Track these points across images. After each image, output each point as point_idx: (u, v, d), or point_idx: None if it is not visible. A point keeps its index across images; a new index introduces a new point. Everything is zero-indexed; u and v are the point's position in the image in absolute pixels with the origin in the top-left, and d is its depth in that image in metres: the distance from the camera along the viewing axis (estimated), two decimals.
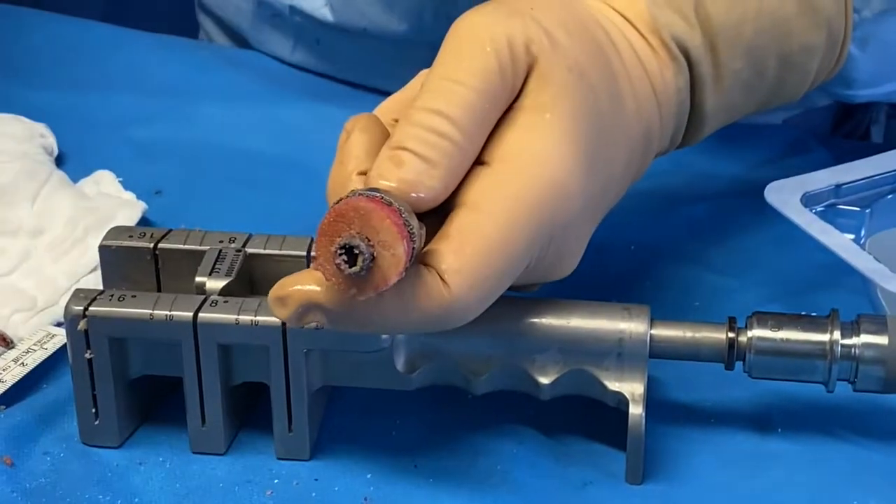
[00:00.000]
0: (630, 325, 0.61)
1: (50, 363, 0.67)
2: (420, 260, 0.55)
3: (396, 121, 0.60)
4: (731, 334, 0.61)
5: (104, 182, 0.81)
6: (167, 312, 0.60)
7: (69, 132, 0.87)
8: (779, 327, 0.61)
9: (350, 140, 0.59)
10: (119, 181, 0.81)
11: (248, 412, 0.65)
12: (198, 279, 0.63)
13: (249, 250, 0.65)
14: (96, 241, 0.67)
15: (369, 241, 0.51)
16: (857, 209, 0.69)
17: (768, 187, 0.67)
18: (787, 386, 0.63)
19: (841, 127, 0.96)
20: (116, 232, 0.66)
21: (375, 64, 0.92)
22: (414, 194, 0.55)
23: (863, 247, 0.67)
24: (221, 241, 0.65)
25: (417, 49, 0.87)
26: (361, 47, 0.92)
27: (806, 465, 0.63)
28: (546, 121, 0.57)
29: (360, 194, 0.52)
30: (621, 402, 0.61)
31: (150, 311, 0.60)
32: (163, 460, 0.62)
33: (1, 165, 0.78)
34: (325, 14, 0.91)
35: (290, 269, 0.62)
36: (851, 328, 0.61)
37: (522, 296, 0.62)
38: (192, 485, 0.61)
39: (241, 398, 0.64)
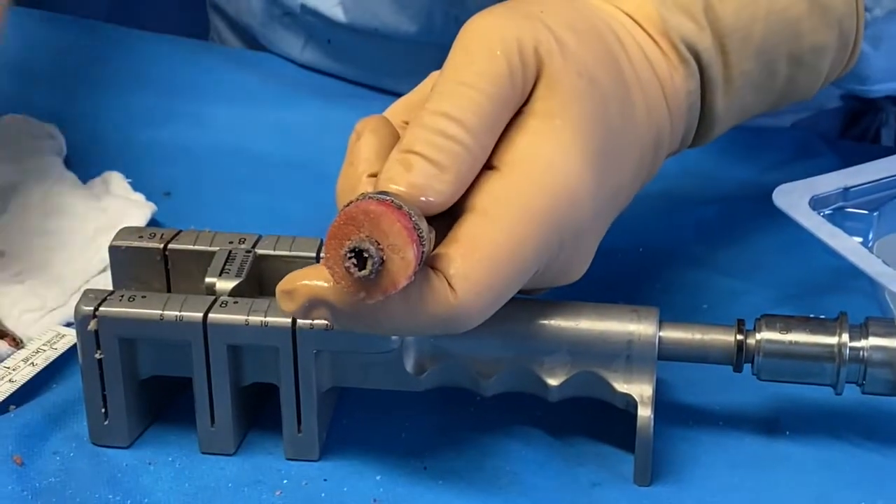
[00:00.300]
0: (639, 327, 0.61)
1: (60, 363, 0.67)
2: (428, 263, 0.55)
3: (406, 123, 0.60)
4: (739, 337, 0.61)
5: (113, 183, 0.81)
6: (177, 313, 0.60)
7: (78, 133, 0.87)
8: (787, 330, 0.61)
9: (360, 142, 0.59)
10: (128, 182, 0.81)
11: (258, 413, 0.65)
12: (208, 280, 0.63)
13: (259, 251, 0.65)
14: (106, 241, 0.68)
15: (379, 244, 0.52)
16: (866, 212, 0.69)
17: (777, 190, 0.67)
18: (795, 388, 0.63)
19: (850, 130, 0.96)
20: (126, 232, 0.67)
21: (386, 65, 0.92)
22: (423, 198, 0.55)
23: (871, 250, 0.67)
24: (231, 242, 0.65)
25: (428, 50, 0.87)
26: (372, 47, 0.92)
27: (814, 467, 0.63)
28: (556, 126, 0.57)
29: (370, 197, 0.52)
30: (630, 403, 0.61)
31: (161, 312, 0.60)
32: (172, 460, 0.63)
33: (10, 166, 0.78)
34: (338, 13, 0.91)
35: None
36: (860, 331, 0.61)
37: (531, 298, 0.62)
38: (201, 484, 0.61)
39: (250, 399, 0.64)
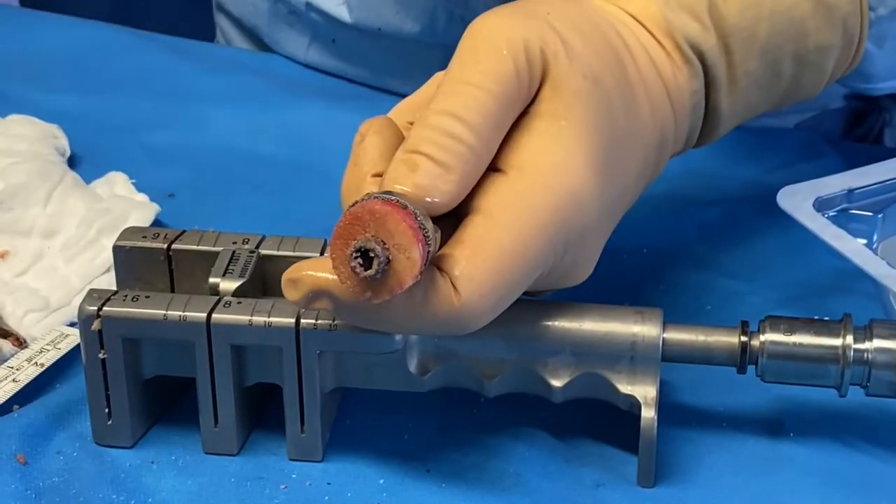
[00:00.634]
0: (643, 329, 0.61)
1: (63, 363, 0.67)
2: (433, 263, 0.55)
3: (411, 123, 0.60)
4: (743, 338, 0.61)
5: (117, 184, 0.81)
6: (181, 313, 0.60)
7: (82, 134, 0.87)
8: (791, 331, 0.61)
9: (364, 143, 0.59)
10: (132, 183, 0.81)
11: (261, 413, 0.65)
12: (211, 280, 0.63)
13: (263, 251, 0.65)
14: (110, 241, 0.68)
15: (384, 244, 0.51)
16: (870, 214, 0.69)
17: (781, 192, 0.67)
18: (799, 390, 0.63)
19: (854, 130, 0.96)
20: (130, 232, 0.67)
21: (390, 65, 0.92)
22: (428, 198, 0.55)
23: (875, 252, 0.67)
24: (235, 243, 0.65)
25: (432, 51, 0.87)
26: (377, 48, 0.92)
27: (817, 469, 0.63)
28: (561, 128, 0.57)
29: (375, 197, 0.52)
30: (634, 405, 0.61)
31: (164, 312, 0.60)
32: (175, 460, 0.63)
33: (14, 166, 0.78)
34: (343, 12, 0.91)
35: None
36: (864, 333, 0.61)
37: (535, 299, 0.62)
38: (203, 482, 0.61)
39: (253, 399, 0.64)
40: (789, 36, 0.65)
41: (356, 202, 0.52)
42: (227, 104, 0.92)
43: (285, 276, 0.56)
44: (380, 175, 0.57)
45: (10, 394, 0.64)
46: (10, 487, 0.61)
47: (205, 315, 0.60)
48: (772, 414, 0.66)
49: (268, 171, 0.86)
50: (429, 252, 0.53)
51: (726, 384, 0.65)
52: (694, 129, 0.65)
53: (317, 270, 0.55)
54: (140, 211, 0.77)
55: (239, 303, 0.61)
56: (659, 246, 0.78)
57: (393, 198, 0.53)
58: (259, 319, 0.60)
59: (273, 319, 0.60)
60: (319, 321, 0.59)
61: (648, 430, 0.60)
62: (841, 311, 0.62)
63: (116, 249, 0.66)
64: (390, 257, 0.52)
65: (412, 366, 0.61)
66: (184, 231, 0.67)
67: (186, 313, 0.60)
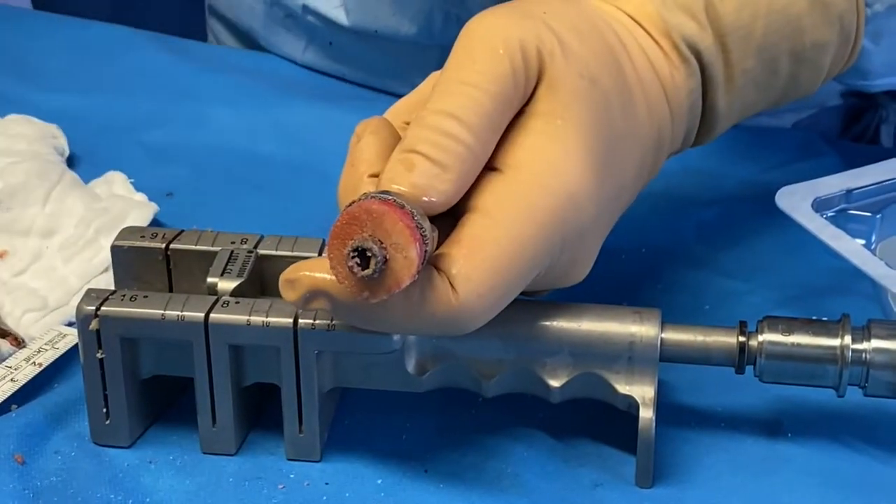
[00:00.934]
0: (641, 329, 0.61)
1: (61, 363, 0.67)
2: (430, 263, 0.55)
3: (407, 124, 0.60)
4: (741, 338, 0.61)
5: (116, 183, 0.81)
6: (179, 313, 0.60)
7: (80, 134, 0.87)
8: (790, 332, 0.61)
9: (361, 143, 0.59)
10: (131, 182, 0.81)
11: (259, 413, 0.65)
12: (209, 280, 0.63)
13: (261, 251, 0.65)
14: (108, 241, 0.68)
15: (382, 243, 0.52)
16: (868, 214, 0.69)
17: (779, 192, 0.67)
18: (797, 390, 0.63)
19: (851, 128, 0.96)
20: (128, 232, 0.67)
21: (387, 66, 0.92)
22: (425, 198, 0.55)
23: (874, 252, 0.67)
24: (233, 242, 0.65)
25: (428, 52, 0.87)
26: (373, 49, 0.92)
27: (816, 469, 0.63)
28: (558, 127, 0.57)
29: (372, 197, 0.52)
30: (632, 405, 0.61)
31: (162, 312, 0.60)
32: (173, 459, 0.63)
33: (12, 166, 0.78)
34: (340, 15, 0.91)
35: None
36: (862, 333, 0.61)
37: (533, 299, 0.62)
38: (201, 481, 0.61)
39: (251, 399, 0.64)
40: (786, 34, 0.65)
41: (353, 202, 0.52)
42: (226, 104, 0.92)
43: (283, 276, 0.56)
44: (376, 175, 0.57)
45: (8, 393, 0.65)
46: (8, 487, 0.61)
47: (203, 315, 0.60)
48: (770, 414, 0.66)
49: (266, 171, 0.86)
50: (426, 251, 0.53)
51: (724, 384, 0.65)
52: (691, 128, 0.66)
53: (314, 270, 0.55)
54: (138, 210, 0.77)
55: (237, 303, 0.61)
56: (657, 245, 0.78)
57: (390, 197, 0.53)
58: (257, 319, 0.60)
59: (271, 319, 0.60)
60: (317, 321, 0.59)
61: (646, 430, 0.60)
62: (839, 311, 0.62)
63: (115, 249, 0.66)
64: (388, 257, 0.52)
65: (410, 366, 0.61)
66: (182, 231, 0.67)
67: (184, 313, 0.60)
